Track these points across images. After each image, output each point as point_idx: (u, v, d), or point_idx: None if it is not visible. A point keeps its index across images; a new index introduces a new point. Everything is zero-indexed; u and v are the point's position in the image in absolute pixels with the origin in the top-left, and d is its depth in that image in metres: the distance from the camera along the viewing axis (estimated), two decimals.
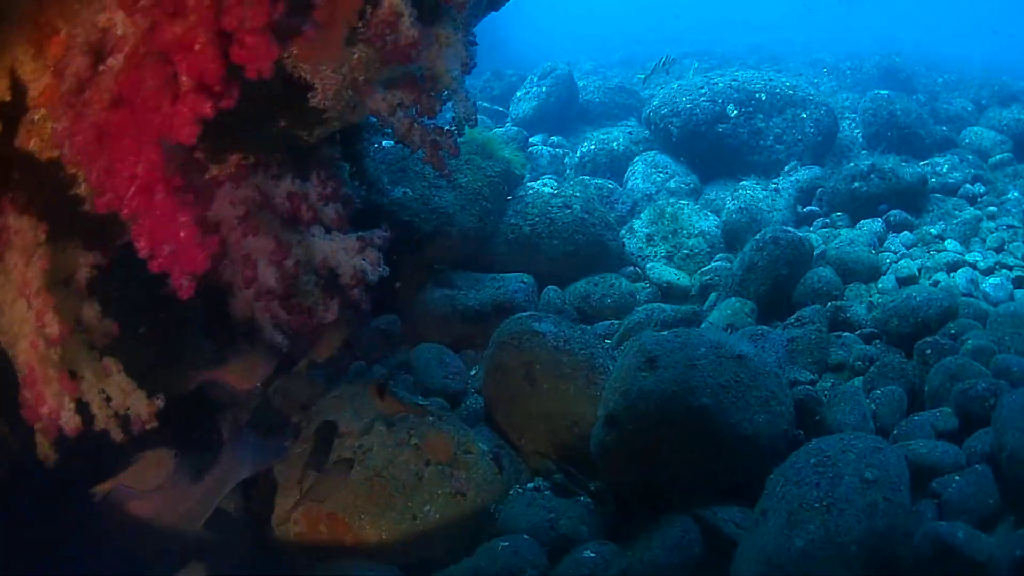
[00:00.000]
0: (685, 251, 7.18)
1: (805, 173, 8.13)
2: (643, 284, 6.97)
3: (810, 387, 4.37)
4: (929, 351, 4.59)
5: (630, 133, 9.70)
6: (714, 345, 3.95)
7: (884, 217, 7.01)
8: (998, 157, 8.71)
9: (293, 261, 3.74)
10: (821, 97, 9.45)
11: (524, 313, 5.11)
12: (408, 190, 6.59)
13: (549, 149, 10.34)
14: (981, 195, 7.87)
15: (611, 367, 4.73)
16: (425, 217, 6.32)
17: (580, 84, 12.31)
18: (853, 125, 10.05)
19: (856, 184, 7.24)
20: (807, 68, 14.01)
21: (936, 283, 5.89)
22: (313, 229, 3.82)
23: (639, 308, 6.35)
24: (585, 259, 6.85)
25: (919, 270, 6.11)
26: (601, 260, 6.96)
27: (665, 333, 4.16)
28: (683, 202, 7.70)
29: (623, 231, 7.63)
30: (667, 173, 8.59)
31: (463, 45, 3.75)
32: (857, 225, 7.02)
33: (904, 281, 5.96)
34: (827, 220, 7.37)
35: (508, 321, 5.00)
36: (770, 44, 17.03)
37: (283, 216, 3.74)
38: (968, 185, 7.91)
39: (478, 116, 11.14)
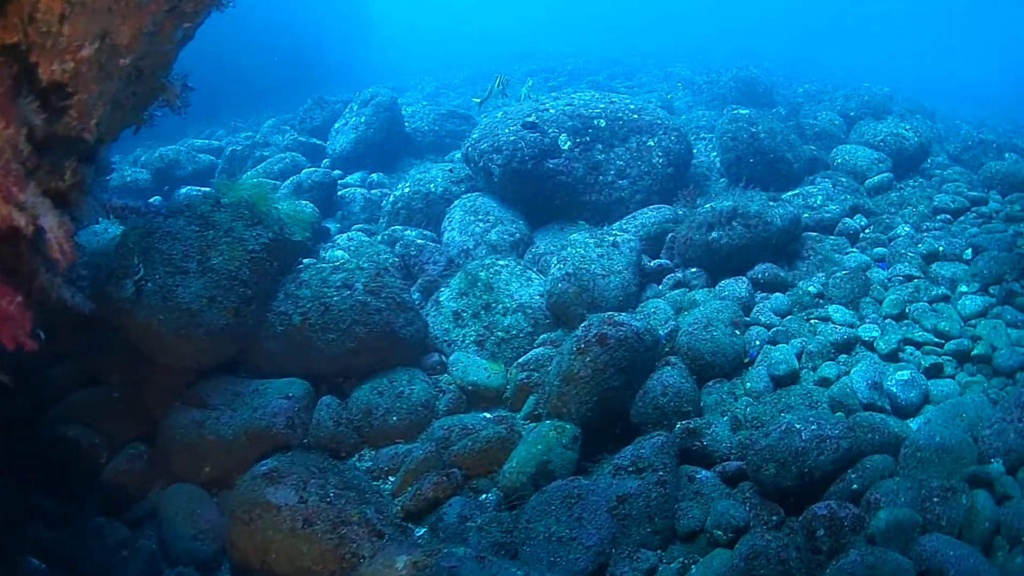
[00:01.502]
0: (500, 333, 5.44)
1: (652, 215, 6.46)
2: (448, 380, 5.24)
3: None
4: (822, 532, 2.96)
5: (450, 171, 7.91)
6: None
7: (750, 276, 5.40)
8: (876, 179, 7.44)
9: None
10: (671, 120, 7.86)
11: (262, 467, 4.06)
12: (149, 282, 4.76)
13: (363, 192, 8.55)
14: (863, 228, 6.49)
15: (367, 554, 3.24)
16: (164, 319, 4.78)
17: (408, 111, 10.68)
18: (710, 147, 8.59)
19: (714, 235, 5.56)
20: (661, 83, 12.71)
21: (825, 382, 4.25)
22: None
23: (436, 424, 4.90)
24: (372, 354, 5.13)
25: (799, 356, 4.48)
26: (393, 353, 5.24)
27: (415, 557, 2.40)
28: (502, 263, 5.96)
29: (429, 305, 5.88)
30: (489, 221, 6.83)
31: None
32: (717, 286, 5.37)
33: (781, 381, 4.31)
34: (680, 276, 5.70)
35: (241, 482, 4.01)
36: (626, 57, 15.81)
37: None
38: (848, 219, 6.48)
39: (291, 154, 8.71)
